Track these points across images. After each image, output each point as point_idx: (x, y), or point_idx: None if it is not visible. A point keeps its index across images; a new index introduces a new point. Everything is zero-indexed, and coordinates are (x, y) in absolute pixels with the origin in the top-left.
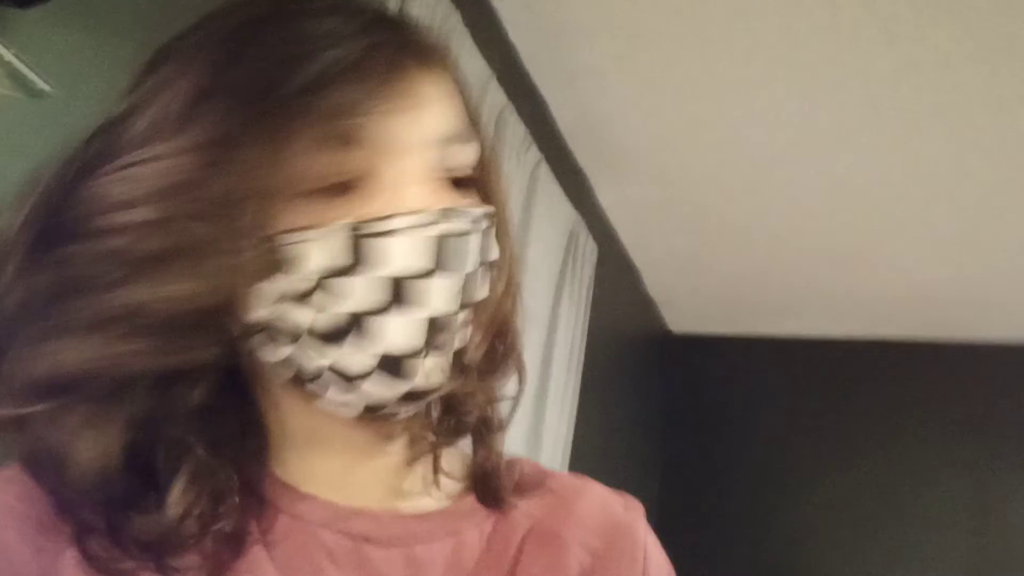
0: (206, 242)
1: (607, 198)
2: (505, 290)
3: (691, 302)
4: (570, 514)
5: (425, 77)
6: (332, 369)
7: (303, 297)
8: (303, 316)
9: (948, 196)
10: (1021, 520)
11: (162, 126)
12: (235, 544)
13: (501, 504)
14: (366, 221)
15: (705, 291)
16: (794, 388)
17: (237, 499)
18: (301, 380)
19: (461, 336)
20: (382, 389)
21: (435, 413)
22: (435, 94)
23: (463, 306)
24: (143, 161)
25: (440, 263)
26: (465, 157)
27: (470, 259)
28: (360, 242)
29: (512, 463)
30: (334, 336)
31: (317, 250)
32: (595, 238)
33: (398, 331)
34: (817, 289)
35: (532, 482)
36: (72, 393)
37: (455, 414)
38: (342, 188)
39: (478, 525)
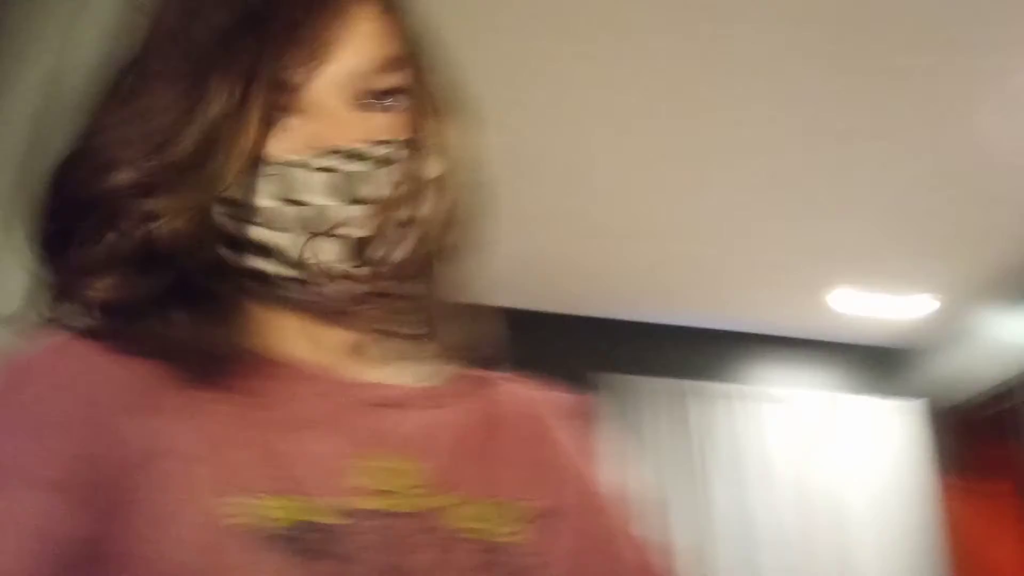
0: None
1: None
2: (437, 195)
3: None
4: (537, 401)
5: (344, 12)
6: (282, 279)
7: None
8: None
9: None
10: None
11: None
12: (252, 394)
13: (479, 386)
14: (282, 163)
15: None
16: None
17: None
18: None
19: (385, 245)
20: (326, 296)
21: (391, 309)
22: (353, 31)
23: (386, 223)
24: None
25: (337, 196)
26: (389, 81)
27: (376, 190)
28: (276, 178)
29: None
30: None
31: (254, 181)
32: None
33: (318, 252)
34: None
35: (489, 376)
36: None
37: (411, 310)
38: (285, 114)
39: (462, 402)
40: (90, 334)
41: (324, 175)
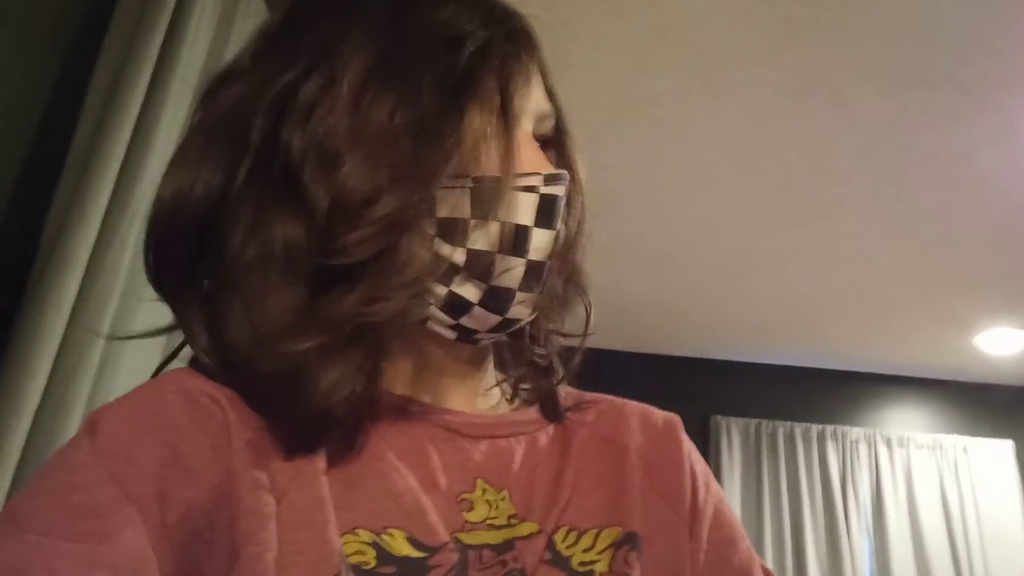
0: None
1: None
2: (576, 239)
3: None
4: (619, 423)
5: (531, 60)
6: (448, 298)
7: (443, 235)
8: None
9: None
10: None
11: (347, 102)
12: (356, 431)
13: (561, 418)
14: (488, 178)
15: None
16: None
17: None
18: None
19: (547, 281)
20: (480, 319)
21: (512, 341)
22: (536, 75)
23: (551, 257)
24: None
25: (539, 220)
26: (549, 126)
27: (559, 217)
28: (480, 196)
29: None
30: (454, 270)
31: (454, 198)
32: None
33: (504, 272)
34: None
35: (575, 398)
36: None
37: (530, 343)
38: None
39: (543, 429)
40: (194, 372)
41: (528, 194)
